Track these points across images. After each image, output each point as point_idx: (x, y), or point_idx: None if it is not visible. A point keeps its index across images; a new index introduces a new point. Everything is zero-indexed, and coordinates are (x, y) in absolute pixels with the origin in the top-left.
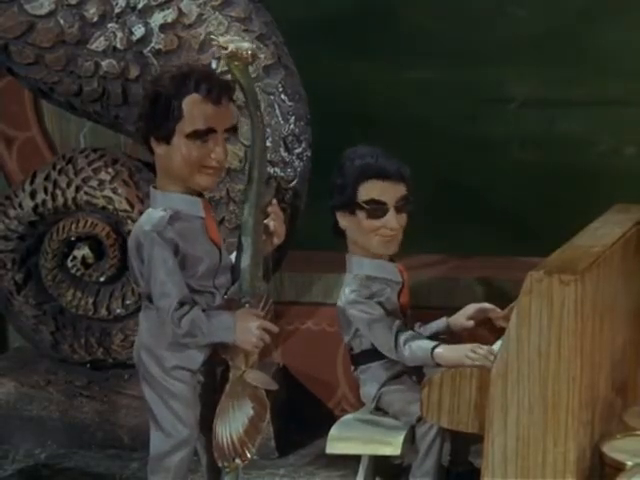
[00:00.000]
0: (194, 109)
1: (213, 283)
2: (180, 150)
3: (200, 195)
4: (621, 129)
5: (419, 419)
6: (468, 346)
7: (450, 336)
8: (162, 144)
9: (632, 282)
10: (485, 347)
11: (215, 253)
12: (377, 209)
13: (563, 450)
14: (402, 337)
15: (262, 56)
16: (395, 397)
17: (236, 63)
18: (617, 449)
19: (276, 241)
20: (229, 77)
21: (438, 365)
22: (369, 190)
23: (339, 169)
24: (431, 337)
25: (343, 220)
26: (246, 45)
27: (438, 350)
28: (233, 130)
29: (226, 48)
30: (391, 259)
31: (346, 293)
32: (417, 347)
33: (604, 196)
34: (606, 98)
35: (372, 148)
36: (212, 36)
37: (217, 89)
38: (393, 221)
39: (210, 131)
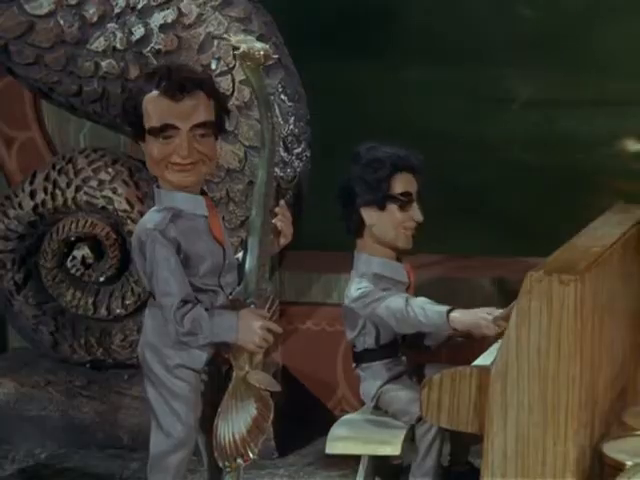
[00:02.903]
0: (151, 106)
1: (219, 282)
2: (147, 147)
3: (203, 193)
4: (621, 129)
5: (419, 419)
6: (484, 309)
7: (466, 338)
8: (141, 142)
9: (632, 282)
10: (500, 310)
11: (219, 252)
12: (408, 201)
13: (563, 450)
14: (415, 302)
15: (275, 56)
16: (395, 397)
17: (248, 63)
18: (617, 449)
19: (283, 241)
20: (227, 77)
21: (454, 329)
22: (401, 182)
23: (366, 166)
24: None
25: (370, 217)
26: (259, 45)
27: (454, 314)
28: (212, 125)
29: (238, 48)
30: (398, 259)
31: (352, 291)
32: (432, 311)
33: (604, 196)
34: (606, 98)
35: (384, 144)
36: (225, 35)
37: (174, 85)
38: (418, 213)
39: (169, 127)
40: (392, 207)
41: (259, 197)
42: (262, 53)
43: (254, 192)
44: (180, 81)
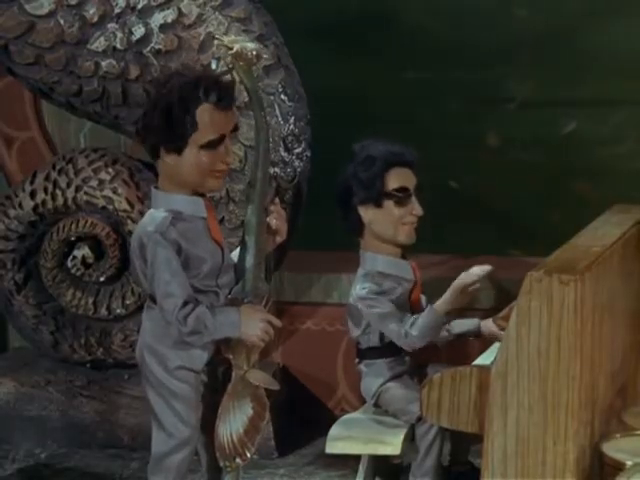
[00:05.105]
0: (207, 119)
1: (216, 282)
2: (191, 159)
3: (202, 195)
4: (621, 129)
5: (419, 419)
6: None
7: (477, 338)
8: (172, 154)
9: (632, 282)
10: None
11: (218, 253)
12: (405, 196)
13: (563, 450)
14: (414, 329)
15: (265, 56)
16: (395, 396)
17: (241, 63)
18: (617, 449)
19: (278, 239)
20: (228, 78)
21: (447, 315)
22: (396, 178)
23: (360, 164)
24: (460, 335)
25: (368, 214)
26: (251, 45)
27: (437, 303)
28: (236, 129)
29: (231, 48)
30: (404, 257)
31: (357, 289)
32: (427, 328)
33: (604, 196)
34: (606, 98)
35: (378, 139)
36: (217, 36)
37: (226, 95)
38: (418, 207)
39: (222, 138)
40: (388, 204)
41: (255, 197)
42: (254, 53)
43: (249, 192)
44: (228, 90)
